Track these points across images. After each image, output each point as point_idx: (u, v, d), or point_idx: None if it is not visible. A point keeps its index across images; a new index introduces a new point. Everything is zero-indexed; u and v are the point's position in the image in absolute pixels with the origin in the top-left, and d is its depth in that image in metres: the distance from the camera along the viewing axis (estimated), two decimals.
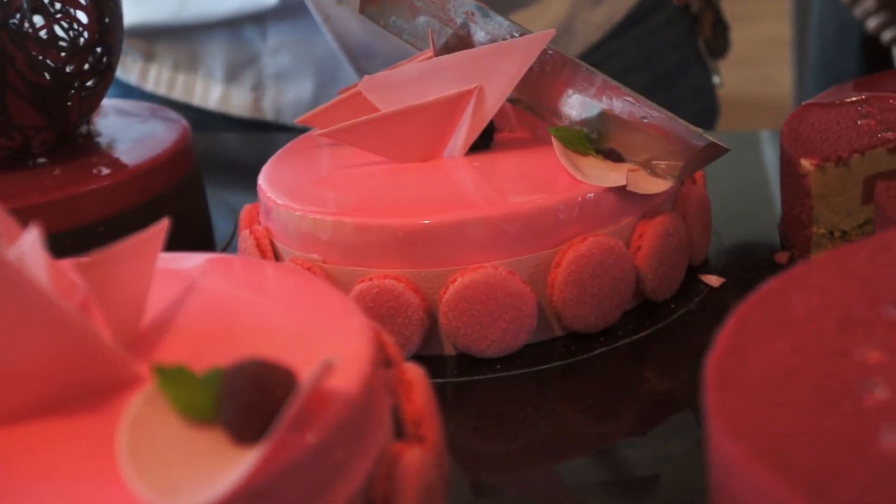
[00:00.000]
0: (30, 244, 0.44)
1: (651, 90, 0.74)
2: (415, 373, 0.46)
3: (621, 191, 0.66)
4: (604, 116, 0.70)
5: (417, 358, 0.66)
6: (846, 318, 0.40)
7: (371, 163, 0.73)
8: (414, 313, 0.64)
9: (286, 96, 1.07)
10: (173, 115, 0.89)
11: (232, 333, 0.45)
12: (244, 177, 0.77)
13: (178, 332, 0.45)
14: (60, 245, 0.75)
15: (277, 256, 0.70)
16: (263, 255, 0.70)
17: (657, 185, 0.67)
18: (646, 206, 0.68)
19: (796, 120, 0.77)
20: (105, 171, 0.79)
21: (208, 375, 0.39)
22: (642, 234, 0.67)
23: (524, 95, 0.73)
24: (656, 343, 0.67)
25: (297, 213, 0.68)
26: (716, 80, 1.21)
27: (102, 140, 0.85)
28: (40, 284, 0.40)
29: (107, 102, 0.91)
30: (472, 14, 0.73)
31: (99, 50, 0.78)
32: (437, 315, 0.65)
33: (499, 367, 0.65)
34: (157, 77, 1.11)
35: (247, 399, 0.38)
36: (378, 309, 0.64)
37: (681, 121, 0.67)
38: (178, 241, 0.80)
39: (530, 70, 0.70)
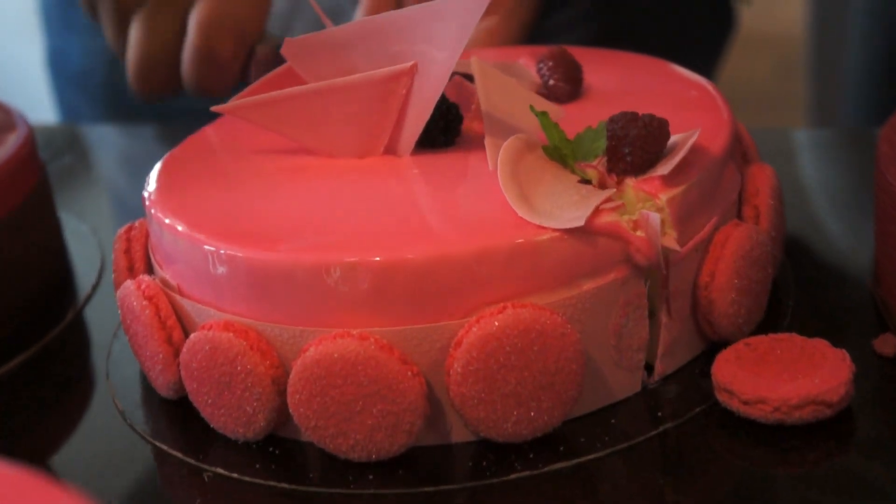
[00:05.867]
0: None
1: None
2: None
3: (589, 237, 0.44)
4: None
5: (273, 442, 0.47)
6: None
7: (293, 153, 0.54)
8: (256, 384, 0.45)
9: None
10: (12, 112, 0.64)
11: None
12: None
13: None
14: None
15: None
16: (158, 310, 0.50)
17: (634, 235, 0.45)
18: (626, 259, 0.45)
19: None
20: None
21: None
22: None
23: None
24: (614, 468, 0.45)
25: (167, 222, 0.50)
26: None
27: None
28: None
29: None
30: None
31: None
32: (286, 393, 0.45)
33: (371, 477, 0.45)
34: None
35: None
36: (209, 372, 0.46)
37: None
38: (11, 299, 0.54)
39: None
